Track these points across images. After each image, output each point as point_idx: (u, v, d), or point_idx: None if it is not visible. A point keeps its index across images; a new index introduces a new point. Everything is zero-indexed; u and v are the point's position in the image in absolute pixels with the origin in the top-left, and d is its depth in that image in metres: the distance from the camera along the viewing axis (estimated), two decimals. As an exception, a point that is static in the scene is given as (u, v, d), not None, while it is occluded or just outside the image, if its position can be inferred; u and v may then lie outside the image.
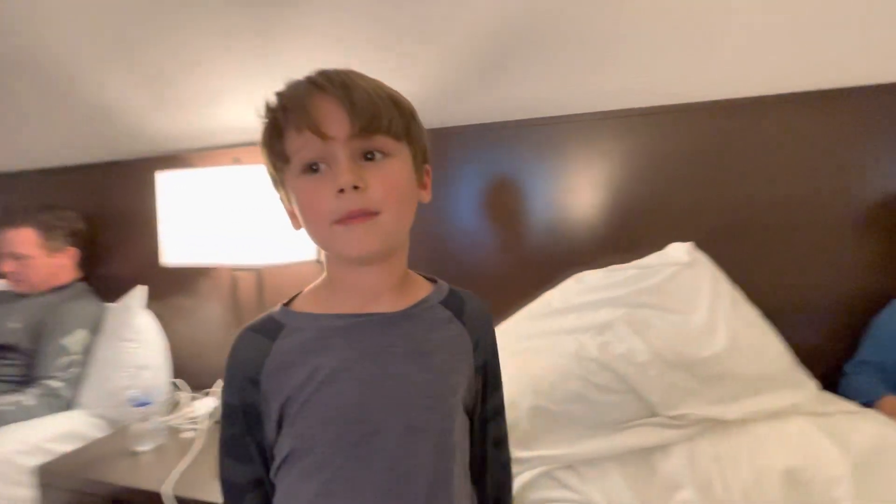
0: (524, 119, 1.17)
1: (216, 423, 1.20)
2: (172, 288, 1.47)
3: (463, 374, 0.51)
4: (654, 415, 0.81)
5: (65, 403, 1.26)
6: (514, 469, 0.81)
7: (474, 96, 1.22)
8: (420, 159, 0.51)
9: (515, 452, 0.82)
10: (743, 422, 0.77)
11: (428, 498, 0.47)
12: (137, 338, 1.33)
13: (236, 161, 1.21)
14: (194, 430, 1.15)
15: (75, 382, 1.29)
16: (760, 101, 1.02)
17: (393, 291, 0.50)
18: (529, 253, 1.18)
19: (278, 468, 0.49)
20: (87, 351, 1.34)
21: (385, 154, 0.46)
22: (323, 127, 0.44)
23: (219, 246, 1.15)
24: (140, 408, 1.08)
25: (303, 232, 0.50)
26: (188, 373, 1.43)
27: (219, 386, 1.28)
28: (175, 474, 0.96)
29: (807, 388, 0.83)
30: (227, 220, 1.15)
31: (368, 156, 0.46)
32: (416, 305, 0.51)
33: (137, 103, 1.54)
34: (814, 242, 1.02)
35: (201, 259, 1.18)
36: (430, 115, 1.24)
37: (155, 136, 1.54)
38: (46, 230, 1.41)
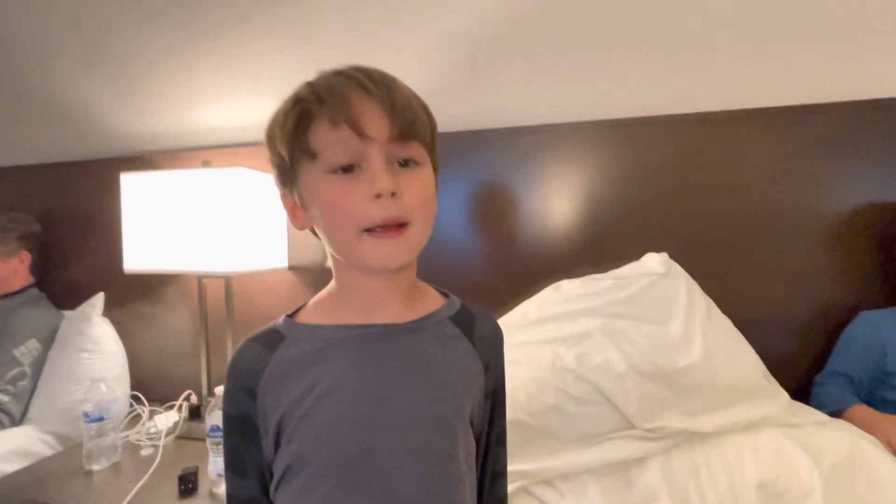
0: (503, 127, 1.16)
1: (178, 437, 1.14)
2: (134, 295, 1.40)
3: (471, 396, 0.48)
4: (630, 427, 0.80)
5: (13, 419, 1.17)
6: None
7: (454, 104, 1.21)
8: (436, 172, 0.50)
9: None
10: (718, 433, 0.77)
11: None
12: (94, 348, 1.26)
13: (206, 164, 1.16)
14: (154, 446, 1.09)
15: (24, 396, 1.21)
16: (728, 115, 1.05)
17: (401, 300, 0.48)
18: (507, 261, 1.17)
19: (277, 486, 0.46)
20: (39, 362, 1.26)
21: (417, 163, 0.45)
22: (363, 125, 0.41)
23: (185, 252, 1.10)
24: (94, 423, 1.01)
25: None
26: (150, 385, 1.36)
27: (184, 399, 1.22)
28: (131, 495, 0.90)
29: (779, 398, 0.84)
30: (195, 224, 1.10)
31: (401, 163, 0.44)
32: (423, 318, 0.48)
33: (100, 100, 1.47)
34: (783, 254, 1.04)
35: (166, 265, 1.13)
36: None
37: (119, 135, 1.47)
38: (-3, 233, 1.33)
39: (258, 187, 1.18)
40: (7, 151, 1.58)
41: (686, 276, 0.96)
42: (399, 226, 0.42)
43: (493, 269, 1.18)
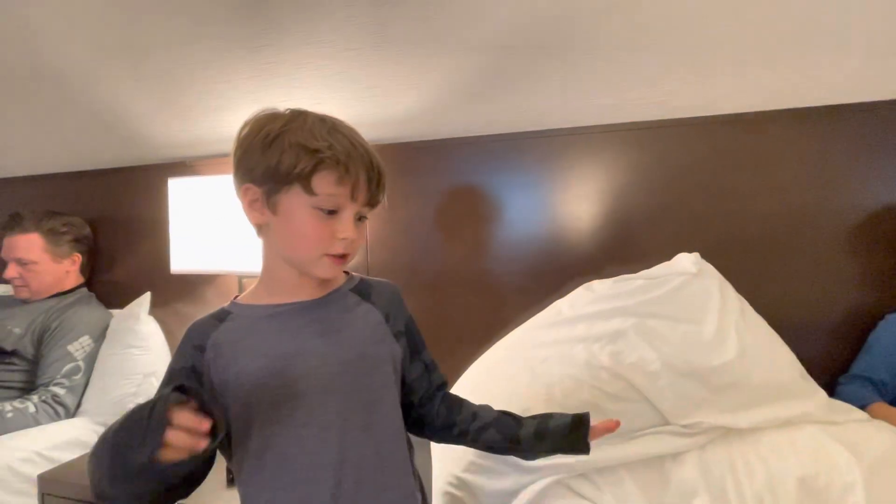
0: (534, 130, 1.19)
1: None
2: (178, 295, 1.47)
3: (381, 342, 0.64)
4: (666, 423, 0.81)
5: (68, 411, 1.24)
6: (528, 478, 0.81)
7: (483, 109, 1.24)
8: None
9: (525, 462, 0.82)
10: (755, 430, 0.78)
11: (378, 447, 0.59)
12: (143, 345, 1.32)
13: (247, 169, 1.22)
14: (200, 438, 1.14)
15: (79, 390, 1.28)
16: (761, 115, 1.05)
17: (314, 286, 0.63)
18: (538, 263, 1.19)
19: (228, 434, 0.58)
20: (92, 358, 1.33)
21: (366, 218, 0.62)
22: (357, 194, 0.58)
23: (226, 253, 1.16)
24: (146, 415, 1.07)
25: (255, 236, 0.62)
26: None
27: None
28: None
29: (817, 397, 0.84)
30: (235, 227, 1.15)
31: (358, 217, 0.60)
32: (329, 294, 0.64)
33: (145, 110, 1.55)
34: (817, 256, 1.04)
35: (209, 266, 1.18)
36: (433, 128, 1.26)
37: (163, 143, 1.55)
38: (52, 236, 1.41)
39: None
40: (59, 159, 1.67)
41: (719, 276, 0.97)
42: (344, 255, 0.59)
43: (525, 270, 1.21)
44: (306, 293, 0.62)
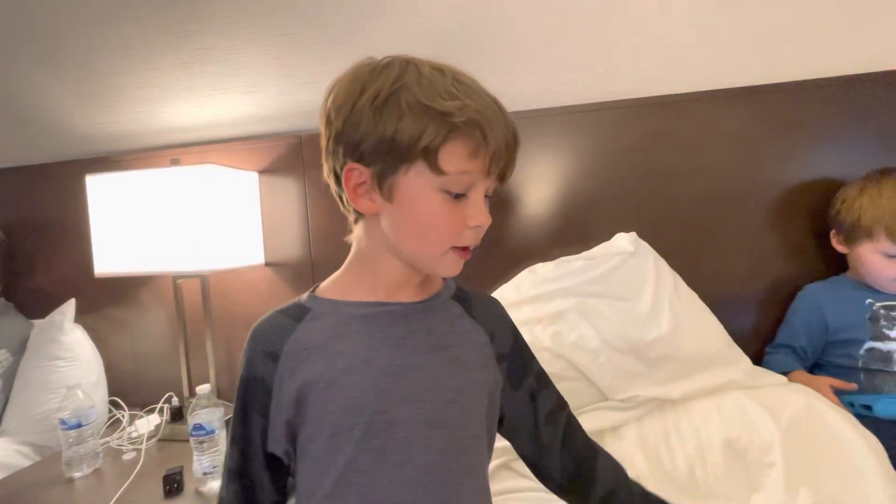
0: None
1: (160, 440, 1.13)
2: (107, 300, 1.37)
3: (486, 368, 0.52)
4: (605, 399, 0.84)
5: (-15, 432, 1.14)
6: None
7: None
8: None
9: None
10: (686, 399, 0.81)
11: (459, 493, 0.47)
12: (68, 355, 1.23)
13: (175, 162, 1.15)
14: (136, 450, 1.07)
15: (-3, 408, 1.18)
16: (686, 97, 1.09)
17: (415, 285, 0.51)
18: (482, 248, 1.19)
19: (294, 453, 0.49)
20: (10, 373, 1.22)
21: (491, 197, 0.49)
22: (492, 167, 0.45)
23: (159, 253, 1.09)
24: (73, 430, 1.00)
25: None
26: (129, 390, 1.34)
27: (165, 401, 1.21)
28: (115, 498, 0.89)
29: (742, 363, 0.89)
30: (167, 224, 1.08)
31: (488, 195, 0.49)
32: (431, 298, 0.52)
33: (62, 101, 1.43)
34: (743, 232, 1.09)
35: (139, 267, 1.11)
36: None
37: (83, 136, 1.43)
38: (-42, 242, 1.28)
39: (231, 184, 1.17)
40: (-38, 158, 1.51)
41: (654, 254, 1.01)
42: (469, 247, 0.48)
43: (470, 257, 1.21)
44: (407, 293, 0.50)
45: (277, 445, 0.48)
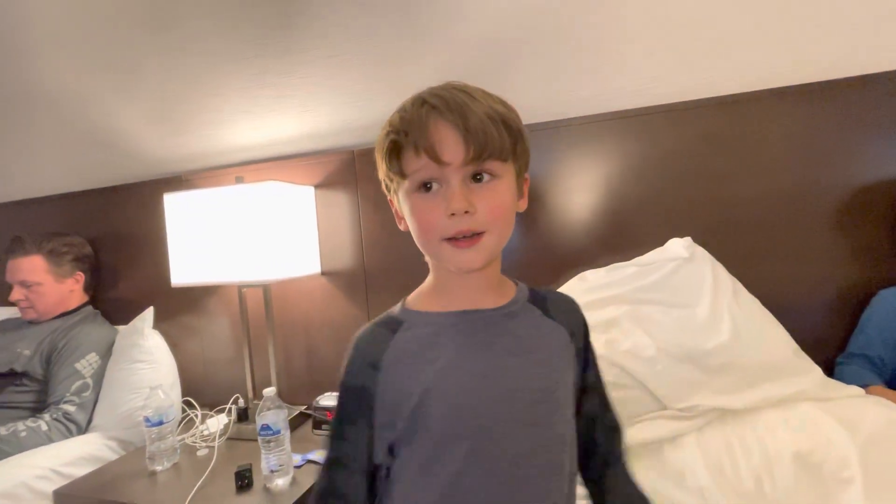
0: (520, 125, 1.19)
1: (228, 439, 1.21)
2: (180, 307, 1.49)
3: (569, 367, 0.54)
4: (663, 408, 0.82)
5: (80, 427, 1.27)
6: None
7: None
8: (523, 171, 0.55)
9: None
10: (751, 410, 0.78)
11: (546, 490, 0.49)
12: (148, 359, 1.35)
13: (239, 180, 1.24)
14: (209, 447, 1.16)
15: (89, 406, 1.31)
16: (748, 97, 1.05)
17: (492, 291, 0.54)
18: (531, 256, 1.20)
19: (393, 462, 0.51)
20: (99, 374, 1.35)
21: (493, 176, 0.49)
22: (439, 153, 0.47)
23: (226, 264, 1.17)
24: (155, 427, 1.09)
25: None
26: (199, 391, 1.44)
27: (233, 402, 1.29)
28: (194, 491, 0.97)
29: (812, 374, 0.85)
30: (233, 238, 1.17)
31: (477, 177, 0.48)
32: (511, 303, 0.54)
33: (139, 127, 1.57)
34: (805, 234, 1.04)
35: (209, 277, 1.20)
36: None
37: (157, 158, 1.57)
38: (54, 257, 1.44)
39: (289, 199, 1.25)
40: (57, 180, 1.70)
41: (711, 259, 0.98)
42: (476, 236, 0.48)
43: (517, 264, 1.21)
44: (487, 301, 0.53)
45: (378, 455, 0.51)
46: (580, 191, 1.17)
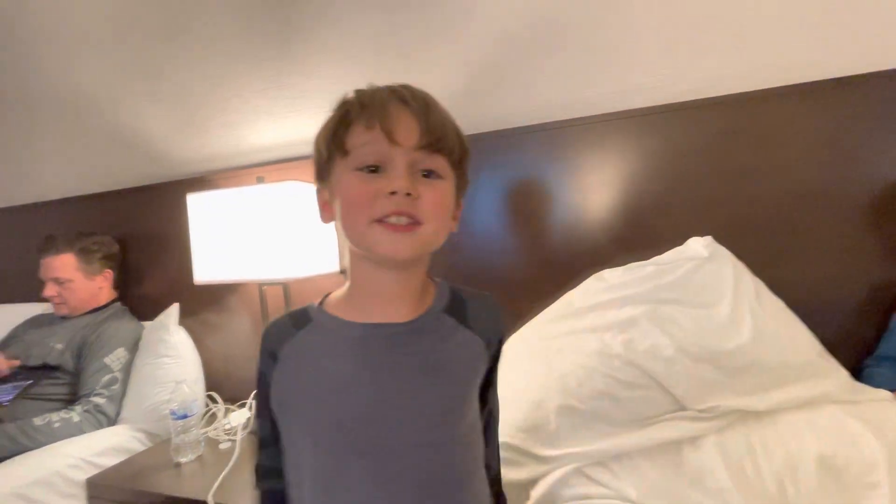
0: (537, 124, 1.19)
1: (251, 433, 1.24)
2: (203, 304, 1.53)
3: (477, 375, 0.54)
4: (682, 408, 0.81)
5: (109, 419, 1.32)
6: (546, 467, 0.83)
7: (487, 104, 1.25)
8: (461, 193, 0.54)
9: (544, 451, 0.84)
10: (773, 412, 0.77)
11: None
12: (174, 354, 1.39)
13: (260, 180, 1.26)
14: (231, 440, 1.19)
15: (117, 399, 1.35)
16: (766, 93, 1.03)
17: (409, 300, 0.52)
18: (548, 255, 1.20)
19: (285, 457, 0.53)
20: (127, 368, 1.40)
21: (439, 175, 0.49)
22: (394, 131, 0.46)
23: (247, 262, 1.20)
24: (180, 421, 1.13)
25: (328, 228, 0.54)
26: (221, 386, 1.48)
27: (253, 397, 1.33)
28: (217, 483, 0.99)
29: (837, 376, 0.83)
30: (254, 236, 1.19)
31: (425, 173, 0.48)
32: (423, 316, 0.52)
33: (164, 129, 1.62)
34: (831, 232, 1.01)
35: (231, 275, 1.23)
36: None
37: (181, 159, 1.61)
38: (84, 255, 1.49)
39: (308, 198, 1.27)
40: (87, 181, 1.76)
41: (732, 258, 0.96)
42: (412, 224, 0.46)
43: (535, 263, 1.21)
44: (399, 312, 0.51)
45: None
46: (597, 189, 1.16)
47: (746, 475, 0.70)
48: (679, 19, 1.08)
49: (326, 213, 0.53)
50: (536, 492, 0.81)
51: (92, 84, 1.70)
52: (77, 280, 1.46)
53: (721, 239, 1.00)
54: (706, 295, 0.91)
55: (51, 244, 1.48)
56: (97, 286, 1.51)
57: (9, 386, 1.33)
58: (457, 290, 0.56)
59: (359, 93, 0.50)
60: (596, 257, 1.12)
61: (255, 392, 0.56)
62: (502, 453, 0.85)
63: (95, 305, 1.51)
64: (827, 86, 1.00)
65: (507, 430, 0.86)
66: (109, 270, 1.54)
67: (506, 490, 0.84)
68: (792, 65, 1.03)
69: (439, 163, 0.48)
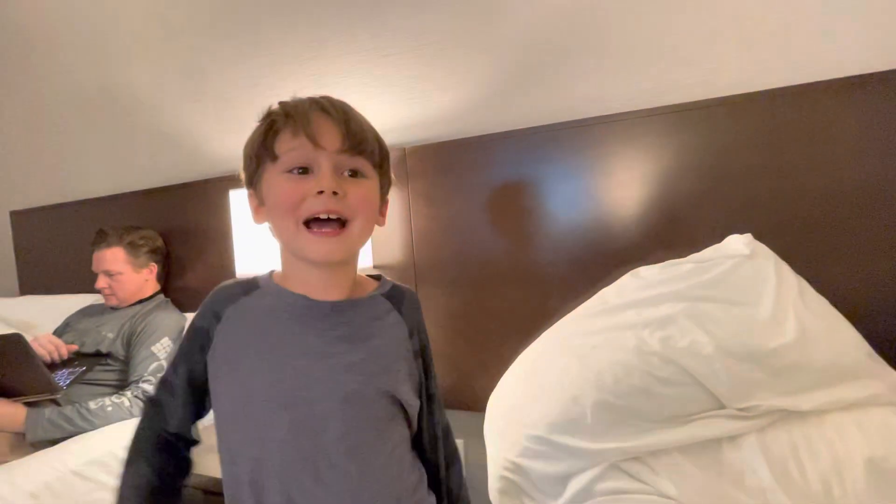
0: (568, 121, 1.19)
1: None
2: (243, 297, 1.58)
3: (403, 359, 0.60)
4: (721, 407, 0.80)
5: (156, 405, 1.38)
6: (583, 462, 0.83)
7: (518, 102, 1.26)
8: (385, 192, 0.61)
9: (580, 445, 0.84)
10: (818, 412, 0.76)
11: (360, 457, 0.54)
12: (215, 344, 1.45)
13: (299, 177, 1.30)
14: (271, 427, 1.24)
15: (163, 385, 1.42)
16: (811, 87, 1.00)
17: (342, 288, 0.58)
18: (580, 253, 1.20)
19: (214, 413, 0.58)
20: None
21: (364, 175, 0.55)
22: (318, 136, 0.52)
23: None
24: (223, 407, 1.18)
25: (267, 227, 0.58)
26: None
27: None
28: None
29: (887, 378, 0.80)
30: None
31: (350, 173, 0.54)
32: (363, 297, 0.60)
33: (206, 128, 1.69)
34: (881, 230, 0.98)
35: (269, 269, 1.27)
36: (471, 125, 1.30)
37: (222, 157, 1.67)
38: (132, 248, 1.57)
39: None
40: (131, 178, 1.85)
41: (774, 256, 0.94)
42: (340, 226, 0.53)
43: (570, 260, 1.22)
44: (335, 294, 0.57)
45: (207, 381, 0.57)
46: (633, 186, 1.15)
47: (790, 475, 0.69)
48: (721, 11, 1.07)
49: (259, 215, 0.58)
50: (572, 486, 0.82)
51: (142, 85, 1.78)
52: (126, 273, 1.54)
53: (761, 237, 0.98)
54: (747, 293, 0.89)
55: (102, 238, 1.56)
56: (143, 279, 1.59)
57: (65, 372, 1.41)
58: (397, 284, 0.65)
59: (283, 104, 0.55)
60: (630, 255, 1.11)
61: (182, 342, 0.59)
62: (536, 447, 0.87)
63: (142, 297, 1.59)
64: (876, 79, 0.97)
65: (542, 424, 0.87)
66: (154, 264, 1.62)
67: (543, 483, 0.86)
68: (840, 58, 1.00)
69: (362, 163, 0.55)
